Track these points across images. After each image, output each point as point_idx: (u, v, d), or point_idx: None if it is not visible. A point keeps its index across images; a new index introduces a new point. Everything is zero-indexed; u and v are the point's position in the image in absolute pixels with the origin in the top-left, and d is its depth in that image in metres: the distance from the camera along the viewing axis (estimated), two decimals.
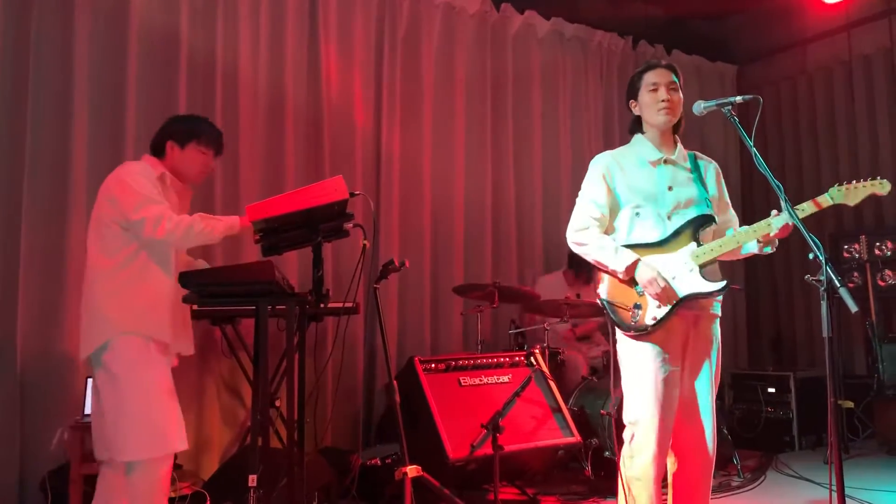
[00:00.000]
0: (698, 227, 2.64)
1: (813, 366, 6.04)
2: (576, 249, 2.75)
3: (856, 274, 5.62)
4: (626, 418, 2.64)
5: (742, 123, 2.48)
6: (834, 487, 2.07)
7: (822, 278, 2.13)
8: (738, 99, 2.50)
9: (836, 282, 2.10)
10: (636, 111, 2.78)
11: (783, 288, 6.61)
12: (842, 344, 5.89)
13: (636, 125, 2.81)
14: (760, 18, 6.62)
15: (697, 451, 2.65)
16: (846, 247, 5.70)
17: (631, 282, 2.62)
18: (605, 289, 2.69)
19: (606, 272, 2.68)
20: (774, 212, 2.54)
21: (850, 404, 5.32)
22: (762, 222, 2.53)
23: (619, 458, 2.67)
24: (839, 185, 2.48)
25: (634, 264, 2.59)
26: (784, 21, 6.50)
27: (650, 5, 6.06)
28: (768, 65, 6.88)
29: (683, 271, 2.58)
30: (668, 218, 2.65)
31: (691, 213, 2.66)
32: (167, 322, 2.70)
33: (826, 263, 2.13)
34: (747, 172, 6.79)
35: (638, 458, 2.58)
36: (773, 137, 6.75)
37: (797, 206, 2.46)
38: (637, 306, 2.59)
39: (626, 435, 2.64)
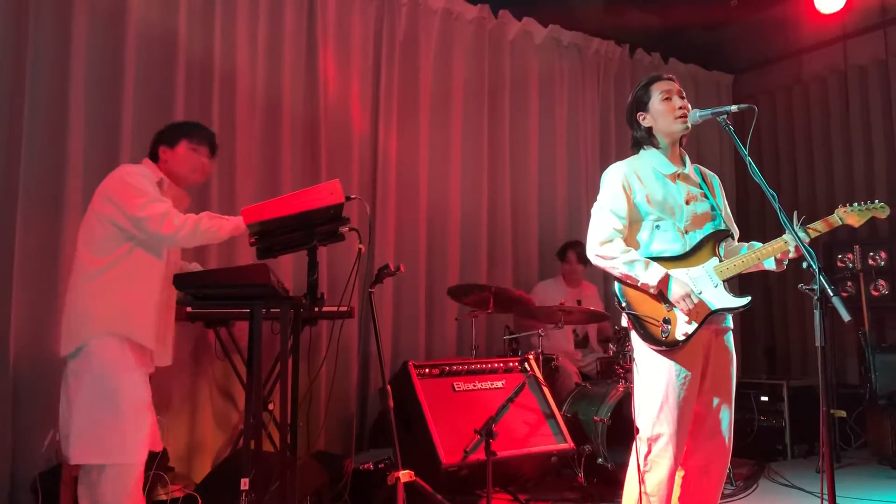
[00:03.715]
0: (718, 241, 2.64)
1: (806, 375, 6.05)
2: (600, 264, 2.65)
3: (849, 283, 5.64)
4: (645, 433, 2.55)
5: (737, 132, 2.50)
6: (826, 496, 2.07)
7: (816, 287, 2.13)
8: (734, 108, 2.50)
9: (830, 291, 2.10)
10: (646, 123, 2.72)
11: (777, 297, 6.63)
12: (835, 353, 5.91)
13: (646, 139, 2.75)
14: (757, 28, 6.65)
15: (716, 465, 2.62)
16: (840, 256, 5.72)
17: (658, 296, 2.56)
18: (629, 302, 2.61)
19: (634, 287, 2.60)
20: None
21: (843, 414, 5.34)
22: (779, 240, 2.52)
23: (639, 472, 2.56)
24: (843, 207, 2.59)
25: (666, 279, 2.53)
26: (780, 31, 6.53)
27: (647, 14, 6.08)
28: (764, 74, 6.91)
29: (709, 286, 2.56)
30: (686, 232, 2.64)
31: (708, 228, 2.66)
32: (150, 327, 2.68)
33: (820, 273, 2.13)
34: (742, 181, 6.82)
35: (654, 473, 2.53)
36: (768, 146, 6.78)
37: (810, 226, 2.50)
38: (666, 321, 2.53)
39: (638, 448, 2.57)
